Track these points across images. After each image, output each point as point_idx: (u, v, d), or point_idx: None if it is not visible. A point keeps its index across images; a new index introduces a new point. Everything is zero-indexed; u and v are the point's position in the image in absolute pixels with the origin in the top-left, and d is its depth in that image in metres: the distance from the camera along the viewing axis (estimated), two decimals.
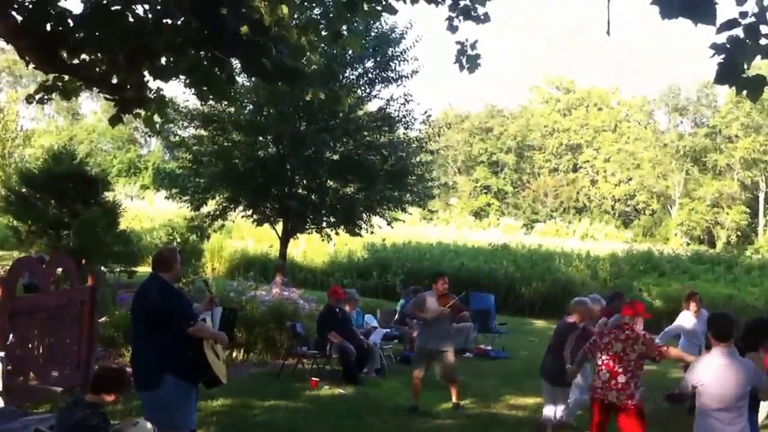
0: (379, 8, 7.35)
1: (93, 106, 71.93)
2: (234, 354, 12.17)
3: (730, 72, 5.00)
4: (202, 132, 19.50)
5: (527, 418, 9.74)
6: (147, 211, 37.30)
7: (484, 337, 16.30)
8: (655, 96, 70.47)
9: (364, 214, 20.13)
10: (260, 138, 19.40)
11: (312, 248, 28.07)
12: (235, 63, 8.39)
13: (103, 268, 14.02)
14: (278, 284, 15.32)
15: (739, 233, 60.66)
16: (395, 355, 14.00)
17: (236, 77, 11.91)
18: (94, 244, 13.68)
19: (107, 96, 8.35)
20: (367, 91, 20.02)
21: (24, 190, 15.12)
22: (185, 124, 19.58)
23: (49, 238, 14.40)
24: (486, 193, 69.71)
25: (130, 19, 6.68)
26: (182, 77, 7.81)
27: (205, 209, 19.67)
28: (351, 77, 19.63)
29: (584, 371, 9.00)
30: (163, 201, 24.36)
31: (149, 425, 5.29)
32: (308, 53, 8.47)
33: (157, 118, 8.30)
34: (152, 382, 5.85)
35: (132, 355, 6.44)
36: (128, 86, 7.70)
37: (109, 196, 16.02)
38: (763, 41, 4.99)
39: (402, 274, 24.16)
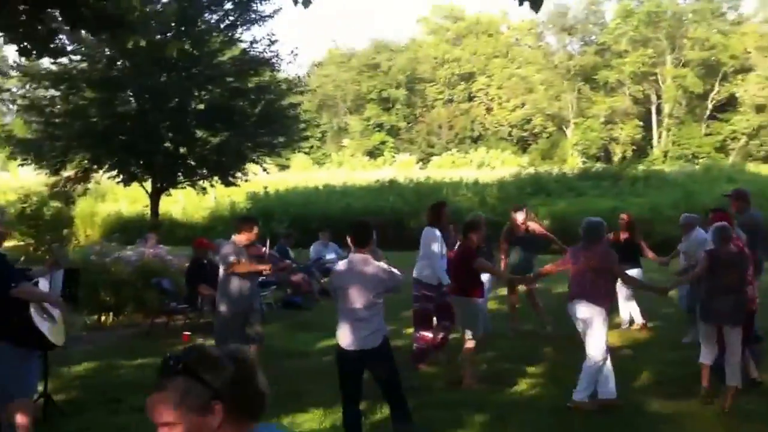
0: None
1: None
2: (102, 318, 12.26)
3: None
4: (54, 92, 19.16)
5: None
6: (10, 183, 36.27)
7: None
8: (543, 18, 71.93)
9: (238, 163, 20.26)
10: (119, 93, 19.19)
11: (191, 204, 27.93)
12: None
13: None
14: (151, 244, 15.31)
15: (634, 148, 63.21)
16: (276, 302, 14.30)
17: (72, 31, 11.81)
18: None
19: None
20: (229, 35, 20.01)
21: None
22: (34, 85, 19.19)
23: None
24: (379, 131, 70.19)
25: None
26: (0, 35, 7.81)
27: (65, 173, 19.45)
28: (211, 20, 19.58)
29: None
30: (29, 171, 23.77)
31: None
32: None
33: None
34: None
35: None
36: None
37: None
38: None
39: (286, 221, 24.41)
